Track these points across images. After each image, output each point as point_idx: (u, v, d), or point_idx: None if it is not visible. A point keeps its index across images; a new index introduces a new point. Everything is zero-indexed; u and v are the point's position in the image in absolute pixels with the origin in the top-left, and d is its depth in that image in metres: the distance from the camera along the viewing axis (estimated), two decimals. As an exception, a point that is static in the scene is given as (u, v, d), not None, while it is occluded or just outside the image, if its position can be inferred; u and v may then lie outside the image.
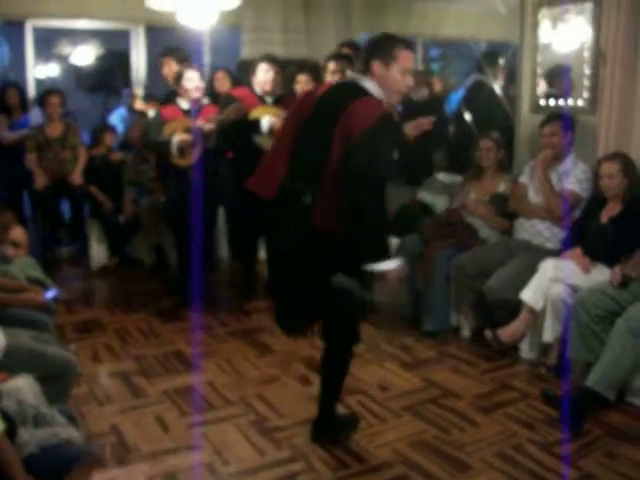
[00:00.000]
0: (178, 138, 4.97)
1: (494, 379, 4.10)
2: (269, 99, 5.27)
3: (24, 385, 2.69)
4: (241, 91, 5.38)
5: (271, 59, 5.25)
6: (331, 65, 5.10)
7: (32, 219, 6.50)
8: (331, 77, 4.92)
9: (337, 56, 5.25)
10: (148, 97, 6.07)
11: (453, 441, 3.41)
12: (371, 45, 3.14)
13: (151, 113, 5.52)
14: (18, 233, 4.28)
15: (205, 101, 5.28)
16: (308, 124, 3.12)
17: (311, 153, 3.08)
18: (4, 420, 2.24)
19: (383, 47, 3.06)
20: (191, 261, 4.89)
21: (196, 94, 5.09)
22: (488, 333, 4.36)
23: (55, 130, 6.30)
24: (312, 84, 5.63)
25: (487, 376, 4.15)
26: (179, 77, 5.10)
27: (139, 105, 5.65)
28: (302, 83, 5.45)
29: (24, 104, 6.58)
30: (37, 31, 6.86)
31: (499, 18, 6.01)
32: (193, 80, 5.05)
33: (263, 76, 5.20)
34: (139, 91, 5.80)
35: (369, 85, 3.03)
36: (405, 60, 3.05)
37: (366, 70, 3.06)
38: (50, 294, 3.77)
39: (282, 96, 5.34)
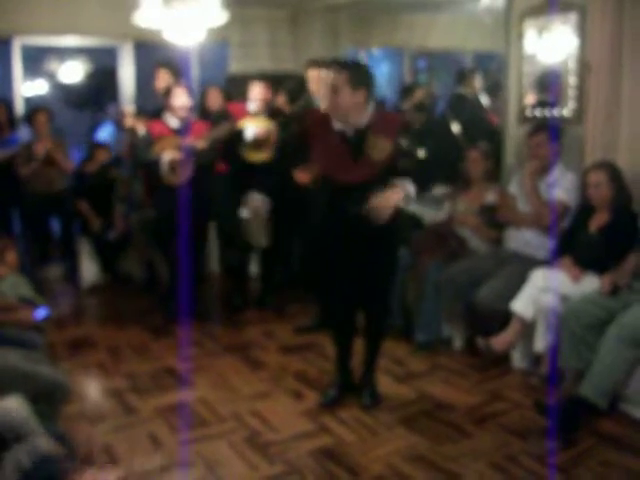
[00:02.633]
0: (168, 157, 4.94)
1: (487, 390, 4.10)
2: (263, 114, 5.28)
3: (14, 405, 2.68)
4: (236, 107, 5.41)
5: (263, 77, 5.26)
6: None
7: (22, 237, 6.48)
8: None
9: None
10: (139, 113, 6.06)
11: (447, 453, 3.40)
12: None
13: (140, 130, 5.50)
14: (9, 253, 4.27)
15: (192, 118, 5.27)
16: None
17: None
18: None
19: None
20: (181, 277, 4.88)
21: (183, 113, 5.09)
22: (480, 341, 4.36)
23: (43, 147, 6.28)
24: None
25: (480, 387, 4.15)
26: (168, 92, 5.10)
27: (130, 122, 5.63)
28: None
29: (12, 121, 6.56)
30: (25, 48, 6.86)
31: (485, 29, 6.05)
32: (181, 98, 5.05)
33: (260, 94, 5.22)
34: (130, 108, 5.79)
35: None
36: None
37: None
38: (41, 313, 3.75)
39: (275, 111, 5.34)
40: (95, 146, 6.75)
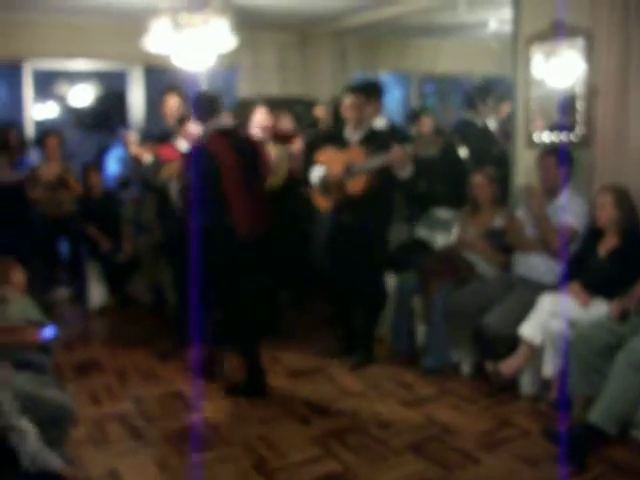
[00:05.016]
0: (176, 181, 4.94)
1: (495, 415, 4.07)
2: (266, 139, 5.28)
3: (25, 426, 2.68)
4: None
5: (267, 102, 5.28)
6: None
7: (30, 259, 6.49)
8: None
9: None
10: (145, 139, 6.07)
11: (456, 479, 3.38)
12: None
13: (147, 157, 5.48)
14: (17, 275, 4.28)
15: None
16: None
17: None
18: None
19: None
20: (190, 301, 4.87)
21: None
22: (489, 365, 4.33)
23: (53, 170, 6.32)
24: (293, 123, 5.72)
25: (488, 412, 4.12)
26: (183, 119, 5.10)
27: (134, 149, 5.65)
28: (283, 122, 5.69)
29: (23, 145, 6.61)
30: (36, 72, 6.93)
31: (492, 54, 6.08)
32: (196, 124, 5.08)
33: (263, 120, 5.24)
34: (133, 136, 5.81)
35: None
36: None
37: None
38: (48, 333, 3.75)
39: (276, 134, 5.36)
40: (88, 169, 6.74)
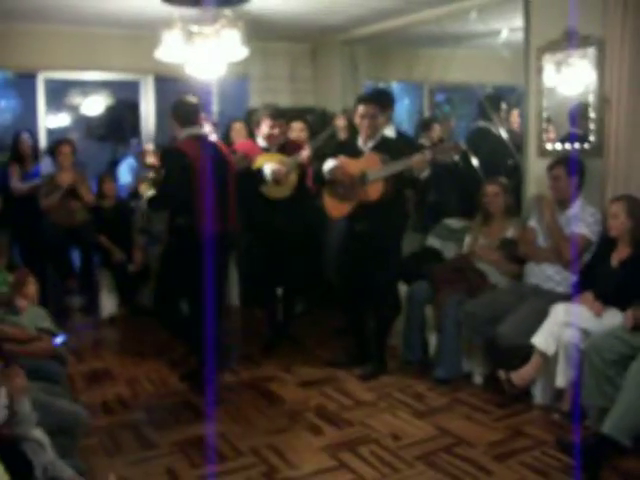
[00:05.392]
0: None
1: (508, 426, 4.05)
2: (273, 149, 5.30)
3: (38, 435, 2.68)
4: (244, 145, 5.42)
5: (274, 114, 5.28)
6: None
7: (43, 269, 6.51)
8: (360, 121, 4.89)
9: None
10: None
11: (468, 491, 3.36)
12: None
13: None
14: (30, 285, 4.30)
15: None
16: None
17: None
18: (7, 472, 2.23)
19: None
20: (202, 311, 4.88)
21: None
22: (502, 374, 4.29)
23: (65, 179, 6.34)
24: (306, 132, 5.70)
25: (501, 423, 4.09)
26: None
27: (151, 159, 5.67)
28: (296, 131, 5.70)
29: (36, 153, 6.65)
30: (48, 82, 6.97)
31: (504, 63, 6.07)
32: (212, 134, 5.11)
33: (268, 130, 5.24)
34: (150, 146, 5.83)
35: None
36: None
37: None
38: (59, 339, 3.77)
39: (284, 144, 5.37)
40: (103, 179, 6.78)
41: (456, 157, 4.41)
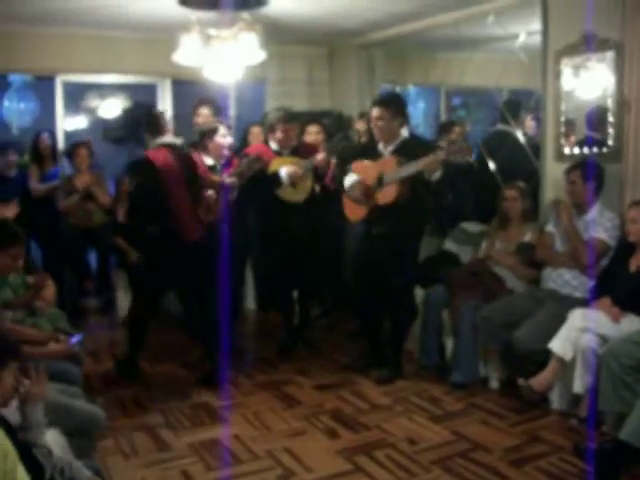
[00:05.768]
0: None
1: (524, 431, 4.02)
2: (285, 151, 5.31)
3: (51, 439, 2.69)
4: (257, 148, 5.42)
5: (287, 118, 5.28)
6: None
7: (60, 270, 6.55)
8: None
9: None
10: None
11: (484, 496, 3.34)
12: None
13: None
14: (48, 288, 4.33)
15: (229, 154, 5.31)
16: None
17: None
18: (29, 472, 2.24)
19: None
20: (218, 313, 4.90)
21: (227, 151, 5.16)
22: (521, 381, 4.27)
23: (82, 181, 6.38)
24: (322, 134, 5.69)
25: (517, 428, 4.07)
26: (213, 132, 5.13)
27: None
28: (312, 134, 5.68)
29: (55, 154, 6.69)
30: (66, 85, 7.01)
31: (521, 66, 6.05)
32: (227, 137, 5.14)
33: (282, 135, 5.25)
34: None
35: None
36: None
37: None
38: (75, 340, 3.79)
39: (297, 147, 5.37)
40: (121, 181, 6.79)
41: (469, 159, 4.36)
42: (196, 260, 4.74)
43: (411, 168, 4.47)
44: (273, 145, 5.31)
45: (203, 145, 5.15)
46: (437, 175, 4.46)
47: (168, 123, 4.98)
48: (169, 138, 4.89)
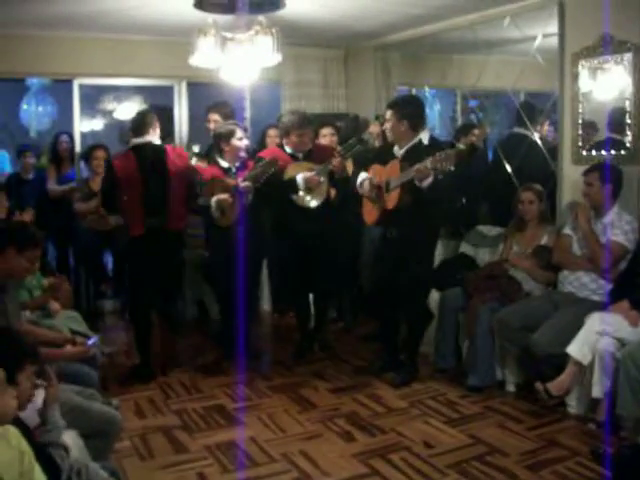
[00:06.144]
0: (216, 198, 4.96)
1: (541, 435, 4.00)
2: (300, 155, 5.30)
3: (68, 440, 2.70)
4: (271, 152, 5.40)
5: (301, 123, 5.27)
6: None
7: (76, 272, 6.59)
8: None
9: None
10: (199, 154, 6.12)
11: (501, 501, 3.33)
12: None
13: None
14: (64, 290, 4.35)
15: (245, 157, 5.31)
16: None
17: None
18: (46, 473, 2.25)
19: None
20: (235, 316, 4.92)
21: (243, 154, 5.17)
22: (539, 385, 4.23)
23: (99, 183, 6.39)
24: (337, 136, 5.67)
25: (534, 432, 4.05)
26: (230, 135, 5.14)
27: (195, 162, 5.72)
28: (327, 136, 5.71)
29: (73, 156, 6.73)
30: (83, 88, 7.05)
31: (538, 69, 6.01)
32: (243, 139, 5.14)
33: (298, 139, 5.25)
34: (195, 149, 5.88)
35: None
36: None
37: None
38: (91, 342, 3.80)
39: (312, 150, 5.37)
40: None
41: (451, 167, 4.29)
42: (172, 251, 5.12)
43: (407, 174, 4.47)
44: (288, 149, 5.31)
45: (218, 148, 5.15)
46: (428, 182, 4.38)
47: (153, 122, 5.05)
48: (149, 137, 5.02)
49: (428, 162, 4.32)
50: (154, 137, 5.06)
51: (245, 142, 5.20)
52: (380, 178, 4.74)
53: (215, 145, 5.26)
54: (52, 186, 6.47)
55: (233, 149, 5.11)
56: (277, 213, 5.45)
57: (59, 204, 6.44)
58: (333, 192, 5.25)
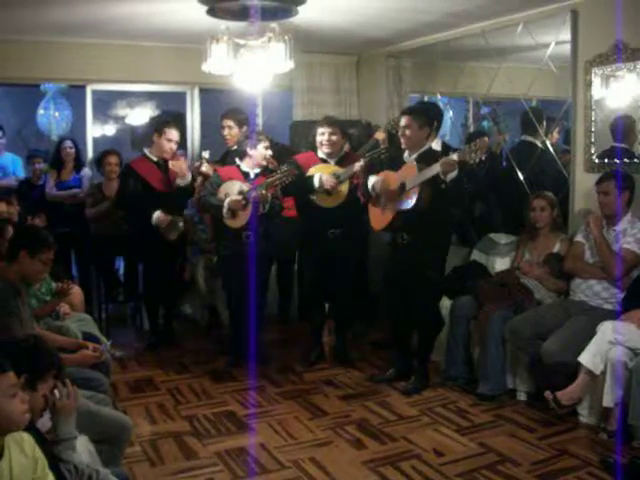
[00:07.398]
0: (229, 200, 5.05)
1: (553, 445, 3.98)
2: (332, 160, 5.31)
3: (79, 445, 2.70)
4: (305, 156, 5.43)
5: (329, 122, 5.29)
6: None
7: (88, 277, 6.60)
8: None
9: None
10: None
11: (511, 510, 3.31)
12: None
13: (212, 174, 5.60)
14: (76, 293, 4.36)
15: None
16: None
17: None
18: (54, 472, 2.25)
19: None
20: (244, 321, 4.93)
21: (265, 162, 5.26)
22: (548, 394, 4.21)
23: (111, 189, 6.42)
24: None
25: (545, 441, 4.03)
26: (259, 142, 5.22)
27: (205, 168, 5.75)
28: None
29: (77, 163, 6.73)
30: (97, 93, 7.08)
31: (551, 76, 6.00)
32: (269, 149, 5.21)
33: (319, 138, 5.26)
34: (206, 154, 5.92)
35: None
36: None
37: None
38: (102, 347, 3.82)
39: (344, 156, 5.37)
40: None
41: (483, 156, 4.33)
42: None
43: (430, 171, 4.47)
44: (321, 153, 5.32)
45: (243, 151, 5.25)
46: (453, 175, 4.42)
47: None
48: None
49: (455, 155, 4.36)
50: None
51: (270, 152, 5.25)
52: (392, 181, 4.73)
53: (239, 148, 5.39)
54: (50, 191, 6.50)
55: (257, 155, 5.17)
56: (302, 216, 5.48)
57: (59, 209, 6.43)
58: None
